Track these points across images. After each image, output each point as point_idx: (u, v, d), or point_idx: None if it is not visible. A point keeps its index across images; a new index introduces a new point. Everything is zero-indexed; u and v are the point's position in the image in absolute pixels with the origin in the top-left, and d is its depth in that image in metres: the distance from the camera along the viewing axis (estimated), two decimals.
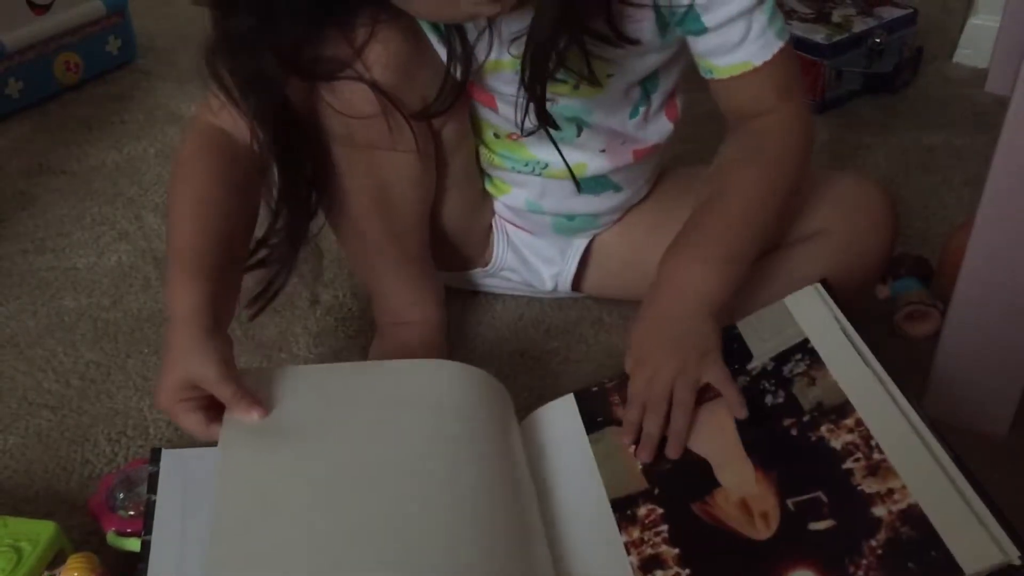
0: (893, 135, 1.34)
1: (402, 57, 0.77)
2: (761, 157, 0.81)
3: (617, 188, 0.94)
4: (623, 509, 0.68)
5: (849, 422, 0.65)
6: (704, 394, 0.74)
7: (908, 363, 0.87)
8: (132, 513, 0.76)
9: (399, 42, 0.76)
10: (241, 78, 0.72)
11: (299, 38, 0.72)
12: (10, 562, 0.68)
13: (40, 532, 0.71)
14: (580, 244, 0.99)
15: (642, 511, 0.67)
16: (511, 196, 0.94)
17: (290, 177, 0.78)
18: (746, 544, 0.62)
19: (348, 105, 0.77)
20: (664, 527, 0.65)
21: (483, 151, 0.91)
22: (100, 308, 1.04)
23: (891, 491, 0.60)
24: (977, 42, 1.50)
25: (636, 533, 0.66)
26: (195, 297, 0.71)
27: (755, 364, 0.74)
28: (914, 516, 0.58)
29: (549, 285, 1.01)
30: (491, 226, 0.99)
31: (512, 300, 1.05)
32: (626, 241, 0.99)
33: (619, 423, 0.74)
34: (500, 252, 1.00)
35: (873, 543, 0.58)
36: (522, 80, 0.74)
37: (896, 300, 0.99)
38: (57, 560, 0.71)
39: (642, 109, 0.88)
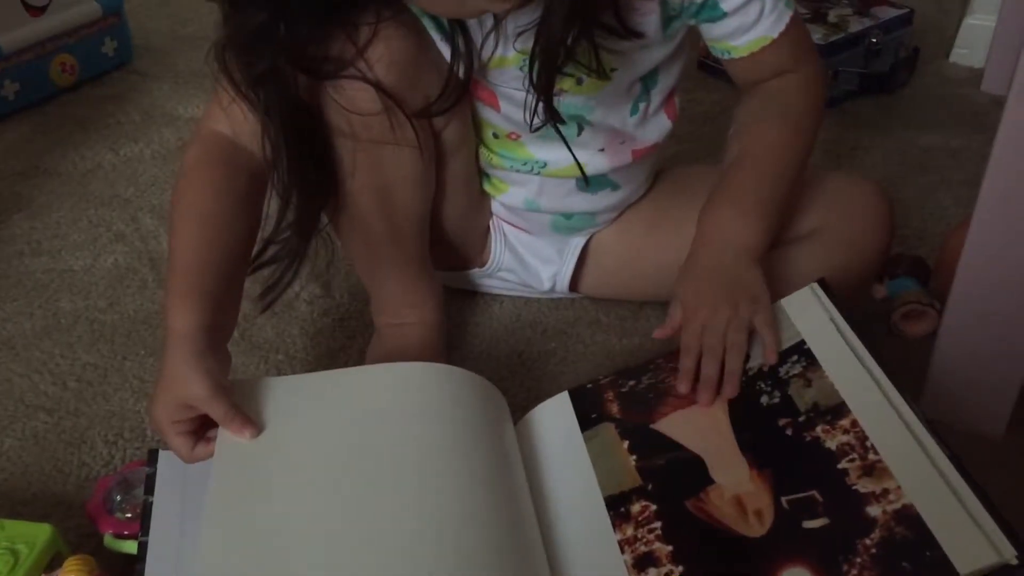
0: (890, 135, 1.34)
1: (405, 56, 0.77)
2: (785, 116, 0.86)
3: (615, 186, 0.94)
4: (617, 507, 0.68)
5: (845, 423, 0.65)
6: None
7: (905, 363, 0.87)
8: (129, 515, 0.76)
9: (402, 41, 0.77)
10: (251, 73, 0.73)
11: (307, 35, 0.73)
12: (7, 565, 0.68)
13: (37, 535, 0.71)
14: (578, 243, 0.99)
15: (636, 508, 0.67)
16: (509, 195, 0.95)
17: (299, 169, 0.78)
18: (740, 542, 0.62)
19: (351, 103, 0.77)
20: (657, 524, 0.65)
21: (482, 151, 0.91)
22: (97, 310, 1.04)
23: (886, 491, 0.60)
24: (973, 42, 1.51)
25: (630, 531, 0.66)
26: (191, 317, 0.71)
27: (752, 365, 0.74)
28: (909, 516, 0.58)
29: (547, 285, 1.01)
30: (489, 227, 0.99)
31: (509, 301, 1.05)
32: (623, 240, 0.99)
33: (613, 419, 0.75)
34: (498, 252, 1.00)
35: (867, 542, 0.58)
36: (530, 74, 0.75)
37: (893, 300, 0.99)
38: (54, 563, 0.71)
39: (642, 106, 0.88)
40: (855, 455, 0.63)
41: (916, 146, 1.31)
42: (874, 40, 1.40)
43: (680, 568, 0.62)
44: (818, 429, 0.66)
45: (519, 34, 0.77)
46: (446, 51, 0.80)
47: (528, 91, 0.78)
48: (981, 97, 1.42)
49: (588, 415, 0.76)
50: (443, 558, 0.61)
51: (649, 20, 0.80)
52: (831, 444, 0.65)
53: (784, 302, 0.77)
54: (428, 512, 0.64)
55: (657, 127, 0.91)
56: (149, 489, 0.73)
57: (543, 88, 0.76)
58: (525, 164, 0.91)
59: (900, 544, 0.57)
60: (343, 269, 1.08)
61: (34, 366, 0.96)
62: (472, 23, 0.79)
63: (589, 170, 0.90)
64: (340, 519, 0.64)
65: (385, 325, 0.94)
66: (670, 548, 0.64)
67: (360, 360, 0.96)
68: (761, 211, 0.82)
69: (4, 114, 1.39)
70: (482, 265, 1.01)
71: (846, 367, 0.69)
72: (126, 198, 1.23)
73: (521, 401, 0.83)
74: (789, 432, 0.67)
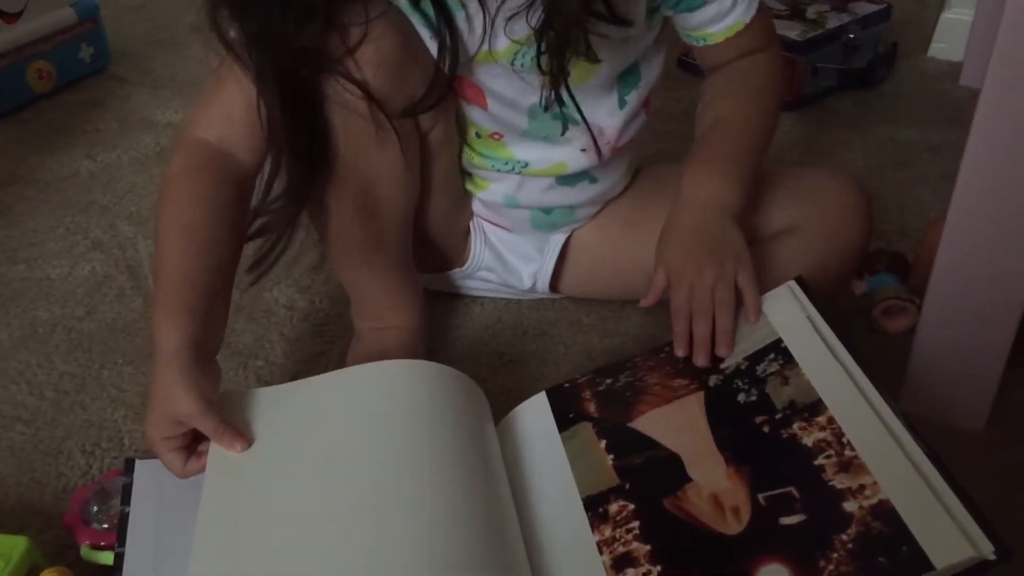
0: (869, 130, 1.35)
1: (394, 57, 0.77)
2: (757, 89, 0.89)
3: (593, 179, 0.94)
4: (595, 507, 0.68)
5: (821, 420, 0.65)
6: (676, 391, 0.73)
7: (885, 358, 0.87)
8: (106, 526, 0.75)
9: (391, 39, 0.76)
10: (247, 34, 0.73)
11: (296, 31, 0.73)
12: None
13: (13, 547, 0.70)
14: (558, 241, 0.99)
15: (613, 508, 0.67)
16: (489, 191, 0.94)
17: (291, 133, 0.77)
18: (717, 539, 0.62)
19: (340, 99, 0.77)
20: (635, 523, 0.65)
21: (465, 150, 0.91)
22: (74, 319, 1.03)
23: (862, 487, 0.60)
24: (952, 36, 1.51)
25: (608, 531, 0.66)
26: (178, 333, 0.72)
27: (729, 363, 0.74)
28: (885, 511, 0.58)
29: (527, 284, 1.00)
30: (470, 227, 0.99)
31: (490, 303, 1.04)
32: (602, 238, 0.99)
33: (590, 418, 0.74)
34: (477, 251, 1.00)
35: (844, 537, 0.58)
36: (538, 59, 0.77)
37: (873, 296, 0.99)
38: (31, 575, 0.71)
39: (628, 98, 0.89)
40: (832, 451, 0.63)
41: (895, 141, 1.32)
42: (852, 36, 1.40)
43: (658, 568, 0.62)
44: (795, 426, 0.66)
45: (509, 18, 0.78)
46: (433, 48, 0.80)
47: (523, 78, 0.80)
48: (960, 91, 1.43)
49: (566, 415, 0.76)
50: (428, 558, 0.61)
51: (638, 9, 0.82)
52: (808, 441, 0.64)
53: (762, 299, 0.77)
54: (413, 512, 0.64)
55: (637, 122, 0.92)
56: (126, 499, 0.73)
57: (559, 69, 0.78)
58: (506, 164, 0.91)
59: (877, 539, 0.57)
60: (323, 273, 1.08)
61: (11, 376, 0.96)
62: (459, 17, 0.79)
63: (571, 168, 0.90)
64: (327, 525, 0.64)
65: (366, 328, 0.94)
66: (648, 548, 0.63)
67: (340, 365, 0.95)
68: (739, 174, 0.84)
69: None
70: (462, 265, 1.01)
71: (823, 365, 0.69)
72: (104, 205, 1.22)
73: (504, 403, 0.82)
74: (766, 429, 0.67)
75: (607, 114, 0.89)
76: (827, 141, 1.33)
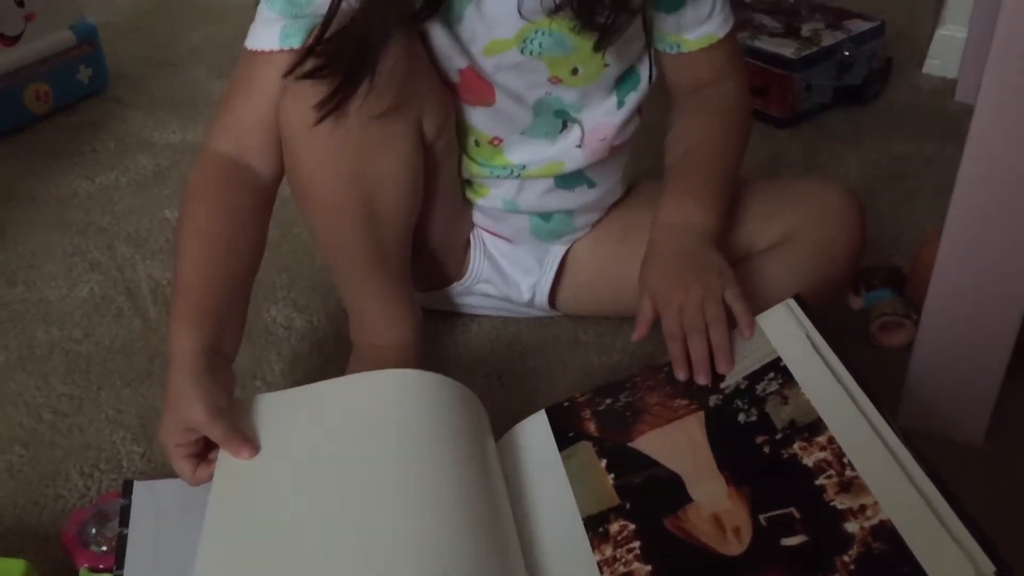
0: (864, 146, 1.35)
1: (400, 66, 0.77)
2: (729, 116, 0.90)
3: (591, 183, 0.95)
4: (596, 526, 0.67)
5: (821, 440, 0.65)
6: (676, 411, 0.73)
7: (884, 373, 0.87)
8: (105, 548, 0.75)
9: (403, 50, 0.77)
10: None
11: None
12: None
13: (11, 570, 0.70)
14: (557, 253, 0.99)
15: (614, 527, 0.67)
16: (489, 197, 0.95)
17: None
18: (718, 560, 0.62)
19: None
20: (636, 543, 0.65)
21: (463, 160, 0.92)
22: (72, 340, 1.03)
23: (863, 507, 0.60)
24: (946, 52, 1.52)
25: (609, 551, 0.65)
26: (192, 339, 0.73)
27: (728, 383, 0.74)
28: (886, 531, 0.58)
29: (527, 295, 1.01)
30: (469, 239, 1.00)
31: (488, 321, 1.04)
32: (598, 253, 0.99)
33: (590, 437, 0.74)
34: (476, 263, 1.00)
35: (845, 558, 0.58)
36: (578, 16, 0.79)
37: (870, 311, 0.99)
38: None
39: (627, 99, 0.90)
40: (832, 472, 0.63)
41: (890, 156, 1.32)
42: (847, 53, 1.41)
43: None
44: (795, 446, 0.66)
45: None
46: (445, 43, 0.82)
47: (532, 68, 0.83)
48: (955, 107, 1.44)
49: (565, 433, 0.76)
50: (430, 567, 0.61)
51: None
52: (808, 461, 0.64)
53: (760, 318, 0.77)
54: (415, 521, 0.64)
55: (632, 125, 0.93)
56: (124, 521, 0.73)
57: (596, 24, 0.79)
58: (504, 169, 0.91)
59: (878, 560, 0.57)
60: (321, 292, 1.08)
61: (9, 398, 0.95)
62: (470, 9, 0.80)
63: (568, 166, 0.91)
64: (328, 532, 0.65)
65: (363, 343, 0.94)
66: (649, 568, 0.63)
67: None
68: (714, 200, 0.85)
69: None
70: (461, 278, 1.01)
71: (822, 384, 0.69)
72: (102, 226, 1.22)
73: (502, 421, 0.82)
74: (766, 449, 0.67)
75: (606, 113, 0.90)
76: (822, 156, 1.33)
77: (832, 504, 0.61)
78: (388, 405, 0.74)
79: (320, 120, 0.76)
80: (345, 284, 0.92)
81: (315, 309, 1.07)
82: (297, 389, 0.78)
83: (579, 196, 0.95)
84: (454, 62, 0.84)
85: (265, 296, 1.08)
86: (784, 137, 1.38)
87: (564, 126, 0.90)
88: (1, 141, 1.40)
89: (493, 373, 0.98)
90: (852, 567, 0.57)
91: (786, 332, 0.75)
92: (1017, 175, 0.74)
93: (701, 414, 0.73)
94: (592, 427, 0.75)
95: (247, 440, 0.71)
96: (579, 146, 0.91)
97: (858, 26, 1.44)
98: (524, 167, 0.91)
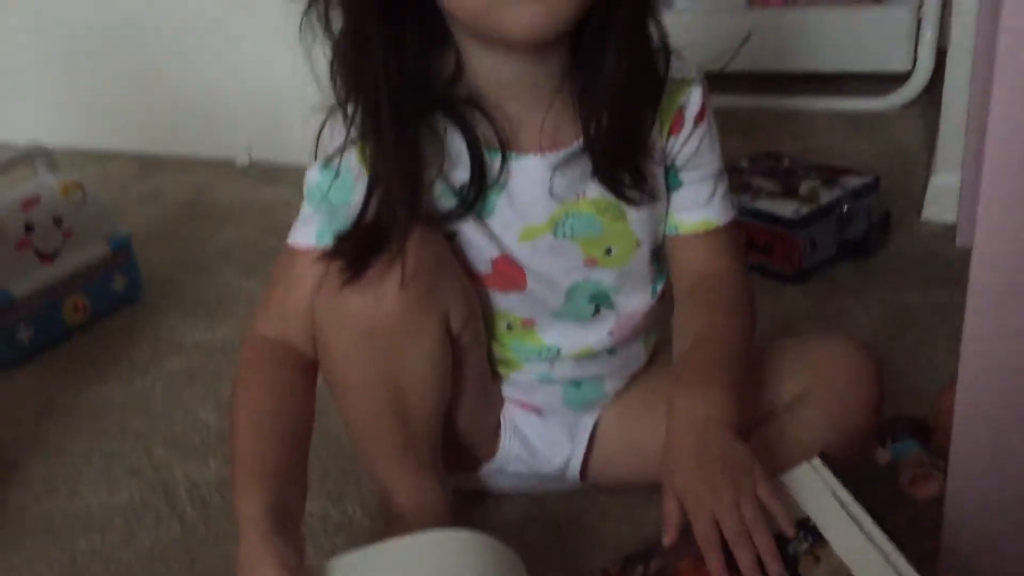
0: (872, 297, 1.38)
1: (429, 265, 0.82)
2: (729, 304, 0.90)
3: (612, 352, 0.97)
4: None
5: None
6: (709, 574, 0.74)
7: (917, 525, 0.87)
8: None
9: (427, 249, 0.82)
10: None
11: None
12: None
13: None
14: (587, 424, 1.01)
15: None
16: (523, 372, 0.97)
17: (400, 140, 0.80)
18: None
19: (377, 302, 0.81)
20: None
21: (496, 347, 0.95)
22: (112, 547, 1.05)
23: None
24: (942, 200, 1.56)
25: None
26: (257, 501, 0.76)
27: None
28: None
29: (558, 471, 1.01)
30: (499, 420, 1.01)
31: (519, 499, 1.05)
32: (625, 422, 1.01)
33: None
34: (507, 443, 1.01)
35: None
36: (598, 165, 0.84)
37: (897, 464, 1.00)
38: None
39: (659, 288, 0.94)
40: None
41: (900, 305, 1.35)
42: (845, 208, 1.46)
43: None
44: None
45: (555, 168, 0.84)
46: (477, 235, 0.86)
47: (564, 249, 0.87)
48: (957, 252, 1.47)
49: None
50: None
51: (658, 182, 0.88)
52: None
53: (785, 478, 0.78)
54: None
55: (658, 307, 0.96)
56: None
57: (622, 181, 0.85)
58: (539, 354, 0.94)
59: None
60: (353, 480, 1.10)
61: None
62: (500, 202, 0.85)
63: (596, 349, 0.94)
64: None
65: (395, 527, 0.95)
66: None
67: None
68: (727, 387, 0.83)
69: (19, 359, 1.43)
70: (491, 458, 1.02)
71: (855, 543, 0.70)
72: (138, 430, 1.26)
73: None
74: None
75: (641, 302, 0.93)
76: (833, 310, 1.36)
77: None
78: (443, 568, 0.75)
79: (350, 320, 0.82)
80: (375, 468, 0.94)
81: (349, 499, 1.08)
82: (369, 549, 0.78)
83: (604, 363, 0.97)
84: (486, 253, 0.88)
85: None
86: (794, 292, 1.41)
87: (597, 310, 0.92)
88: (41, 355, 1.45)
89: (524, 545, 0.97)
90: None
91: (813, 491, 0.76)
92: (1021, 324, 0.76)
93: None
94: None
95: None
96: (610, 333, 0.93)
97: (853, 182, 1.49)
98: (559, 351, 0.94)
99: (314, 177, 0.85)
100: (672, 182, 0.90)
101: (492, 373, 0.98)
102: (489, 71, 0.82)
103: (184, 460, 1.18)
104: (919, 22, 2.01)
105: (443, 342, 0.86)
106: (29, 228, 1.43)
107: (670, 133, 0.87)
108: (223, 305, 1.57)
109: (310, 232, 0.86)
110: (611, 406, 1.01)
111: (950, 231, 1.53)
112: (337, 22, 0.78)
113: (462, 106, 0.82)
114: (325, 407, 0.89)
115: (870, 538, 0.69)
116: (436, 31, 0.80)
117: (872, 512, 0.71)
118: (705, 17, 2.16)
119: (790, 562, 0.71)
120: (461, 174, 0.84)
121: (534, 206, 0.86)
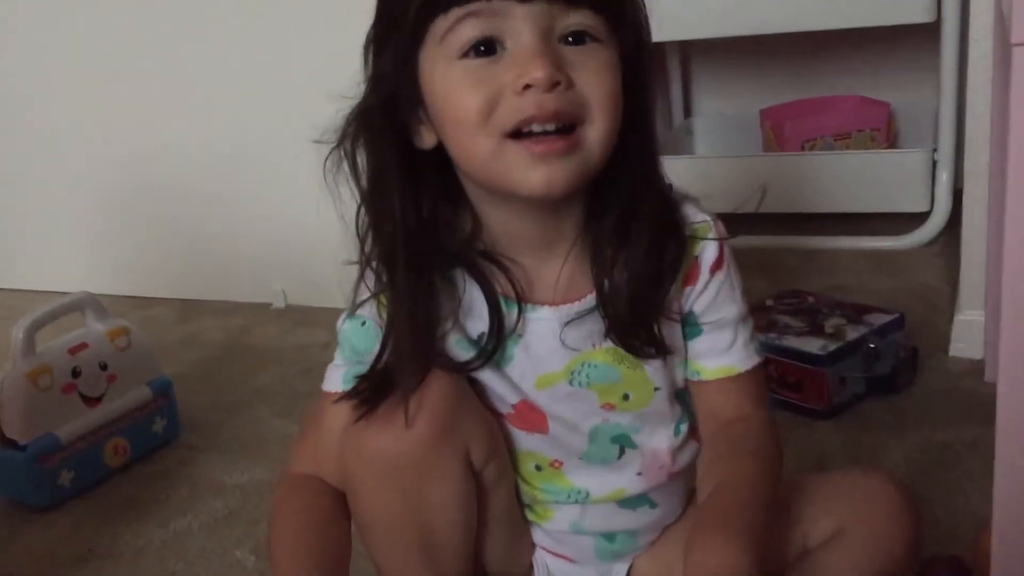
0: (906, 434, 1.38)
1: (446, 405, 0.84)
2: (756, 452, 0.88)
3: (653, 504, 0.96)
4: None
5: None
6: None
7: None
8: None
9: (445, 389, 0.84)
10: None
11: None
12: None
13: None
14: (621, 570, 1.00)
15: None
16: (553, 521, 0.97)
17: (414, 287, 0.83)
18: None
19: (395, 442, 0.83)
20: None
21: (523, 487, 0.95)
22: None
23: None
24: (969, 336, 1.57)
25: None
26: None
27: None
28: None
29: None
30: (532, 563, 1.01)
31: None
32: (658, 569, 1.00)
33: None
34: None
35: None
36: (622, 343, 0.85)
37: None
38: None
39: (683, 428, 0.94)
40: None
41: (933, 442, 1.35)
42: (872, 345, 1.47)
43: None
44: None
45: (566, 324, 0.85)
46: (496, 382, 0.88)
47: (582, 397, 0.88)
48: (986, 387, 1.47)
49: None
50: None
51: (674, 334, 0.88)
52: None
53: None
54: None
55: (689, 449, 0.95)
56: None
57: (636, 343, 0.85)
58: (568, 496, 0.94)
59: None
60: None
61: None
62: (517, 350, 0.87)
63: (628, 492, 0.93)
64: None
65: None
66: None
67: None
68: (747, 535, 0.81)
69: (59, 502, 1.44)
70: None
71: None
72: (175, 572, 1.26)
73: None
74: None
75: (663, 440, 0.93)
76: (866, 446, 1.36)
77: None
78: None
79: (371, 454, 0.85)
80: None
81: None
82: None
83: (642, 516, 0.97)
84: (507, 398, 0.90)
85: None
86: (826, 428, 1.42)
87: (622, 451, 0.92)
88: (81, 499, 1.47)
89: None
90: None
91: None
92: None
93: None
94: None
95: None
96: (639, 473, 0.94)
97: (879, 319, 1.52)
98: (587, 495, 0.94)
99: (343, 326, 0.90)
100: (691, 331, 0.90)
101: (523, 517, 0.98)
102: (502, 225, 0.85)
103: None
104: (934, 164, 2.06)
105: (466, 478, 0.87)
106: (76, 373, 1.48)
107: (685, 284, 0.88)
108: (259, 445, 1.59)
109: (338, 377, 0.89)
110: (644, 553, 1.00)
111: (978, 367, 1.53)
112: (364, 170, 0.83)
113: (479, 260, 0.85)
114: (355, 550, 0.91)
115: None
116: (452, 186, 0.85)
117: None
118: (725, 162, 2.24)
119: None
120: (478, 324, 0.87)
121: (550, 356, 0.88)
